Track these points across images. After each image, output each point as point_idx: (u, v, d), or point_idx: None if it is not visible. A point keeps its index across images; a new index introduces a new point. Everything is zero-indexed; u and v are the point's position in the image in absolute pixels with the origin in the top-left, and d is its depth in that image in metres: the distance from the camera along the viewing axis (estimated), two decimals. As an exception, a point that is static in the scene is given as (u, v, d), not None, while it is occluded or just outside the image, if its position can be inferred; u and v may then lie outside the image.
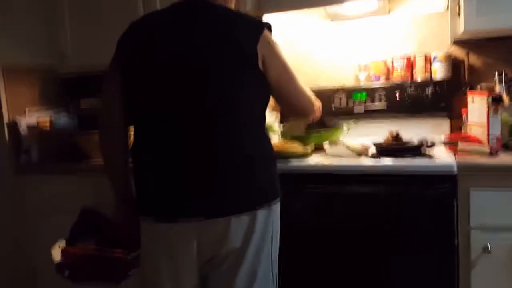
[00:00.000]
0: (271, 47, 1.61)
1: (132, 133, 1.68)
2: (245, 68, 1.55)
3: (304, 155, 2.25)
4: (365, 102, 2.72)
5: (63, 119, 2.95)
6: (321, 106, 1.89)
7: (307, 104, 1.79)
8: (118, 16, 2.64)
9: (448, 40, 2.50)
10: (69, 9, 2.86)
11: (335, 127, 2.45)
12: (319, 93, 2.67)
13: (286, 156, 2.19)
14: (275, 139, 2.54)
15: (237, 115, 1.55)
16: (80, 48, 2.84)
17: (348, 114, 2.72)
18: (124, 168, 1.71)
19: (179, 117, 1.54)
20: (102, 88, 1.67)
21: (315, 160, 2.19)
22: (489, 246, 1.96)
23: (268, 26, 1.63)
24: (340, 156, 2.18)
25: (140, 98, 1.60)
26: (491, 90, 2.32)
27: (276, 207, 1.66)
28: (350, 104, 2.74)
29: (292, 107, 1.78)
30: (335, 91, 2.78)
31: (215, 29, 1.55)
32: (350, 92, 2.75)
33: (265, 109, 1.66)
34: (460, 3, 2.30)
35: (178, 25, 1.58)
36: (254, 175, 1.57)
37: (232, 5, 1.75)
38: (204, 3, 1.62)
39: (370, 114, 2.70)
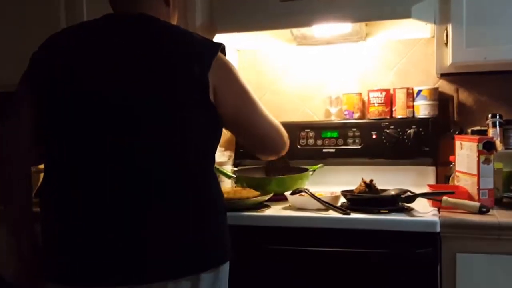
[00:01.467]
0: (226, 72, 1.61)
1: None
2: (191, 100, 1.52)
3: (262, 205, 2.23)
4: (336, 141, 2.72)
5: None
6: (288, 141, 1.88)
7: (276, 137, 1.78)
8: (36, 28, 2.58)
9: (434, 73, 2.53)
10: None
11: (301, 172, 2.44)
12: (282, 129, 2.69)
13: (240, 205, 2.15)
14: (228, 184, 2.54)
15: (176, 158, 1.51)
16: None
17: (316, 155, 2.72)
18: (26, 215, 1.63)
19: (103, 157, 1.49)
20: (5, 112, 1.60)
21: (275, 211, 2.18)
22: (477, 321, 1.94)
23: (222, 48, 1.62)
24: (304, 207, 2.16)
25: (56, 130, 1.54)
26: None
27: (225, 269, 1.62)
28: (319, 143, 2.76)
29: (258, 142, 1.77)
30: (302, 127, 2.79)
31: (155, 51, 1.53)
32: (319, 129, 2.77)
33: (214, 148, 1.64)
34: (448, 30, 2.34)
35: (109, 43, 1.55)
36: (197, 230, 1.53)
37: (175, 21, 1.73)
38: (144, 18, 1.60)
39: (341, 156, 2.70)
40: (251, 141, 1.78)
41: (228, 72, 1.62)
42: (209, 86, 1.53)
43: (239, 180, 2.45)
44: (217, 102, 1.56)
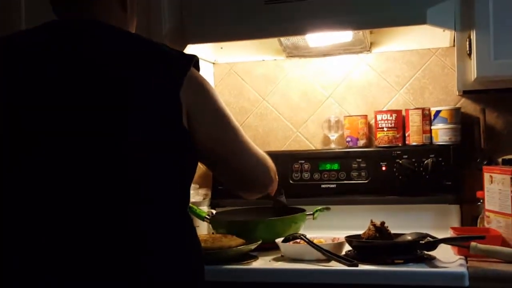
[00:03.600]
0: (201, 91, 1.62)
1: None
2: (156, 128, 1.52)
3: (248, 256, 2.23)
4: (338, 175, 2.73)
5: None
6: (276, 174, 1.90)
7: (261, 172, 1.79)
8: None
9: (455, 90, 2.56)
10: None
11: (298, 213, 2.45)
12: (270, 160, 2.70)
13: (220, 257, 2.15)
14: (204, 229, 2.55)
15: (138, 203, 1.51)
16: None
17: (313, 192, 2.73)
18: None
19: (37, 201, 1.48)
20: None
21: (264, 263, 2.18)
22: None
23: (195, 62, 1.62)
24: (300, 257, 2.17)
25: None
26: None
27: None
28: (316, 177, 2.76)
29: (239, 178, 1.78)
30: (294, 158, 2.80)
31: (111, 69, 1.52)
32: (316, 160, 2.78)
33: (188, 185, 1.64)
34: (472, 38, 2.35)
35: (49, 61, 1.54)
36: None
37: (133, 29, 1.75)
38: (95, 26, 1.60)
39: (344, 194, 2.72)
40: (230, 177, 1.79)
41: (203, 91, 1.63)
42: (182, 109, 1.53)
43: (216, 225, 2.45)
44: (189, 129, 1.56)
